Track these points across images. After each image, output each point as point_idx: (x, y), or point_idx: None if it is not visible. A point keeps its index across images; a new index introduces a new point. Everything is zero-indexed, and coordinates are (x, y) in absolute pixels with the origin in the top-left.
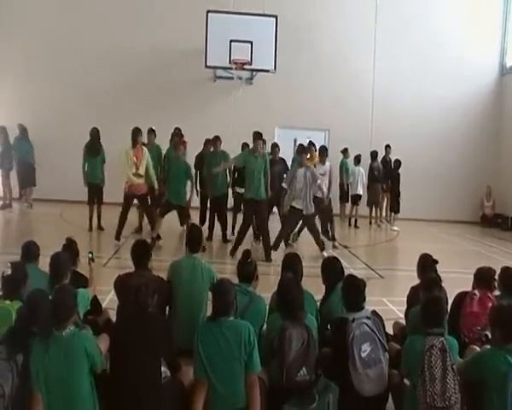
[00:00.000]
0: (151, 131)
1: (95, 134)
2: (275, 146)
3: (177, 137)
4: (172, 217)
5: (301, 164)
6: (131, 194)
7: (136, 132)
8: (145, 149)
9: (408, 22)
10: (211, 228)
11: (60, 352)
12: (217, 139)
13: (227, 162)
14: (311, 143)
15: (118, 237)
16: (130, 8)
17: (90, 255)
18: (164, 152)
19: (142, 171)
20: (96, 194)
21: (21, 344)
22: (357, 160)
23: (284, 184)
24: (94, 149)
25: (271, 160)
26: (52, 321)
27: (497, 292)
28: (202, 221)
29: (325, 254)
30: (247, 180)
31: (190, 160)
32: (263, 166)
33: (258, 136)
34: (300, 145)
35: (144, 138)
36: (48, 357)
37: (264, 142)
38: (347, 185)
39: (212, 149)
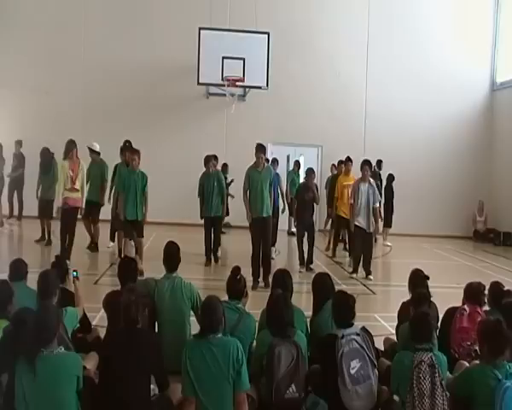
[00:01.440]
0: (92, 151)
1: (45, 154)
2: (312, 172)
3: (128, 150)
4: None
5: (364, 179)
6: (66, 207)
7: (70, 145)
8: (82, 162)
9: (400, 40)
10: (208, 250)
11: (48, 372)
12: (208, 160)
13: (245, 197)
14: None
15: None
16: (123, 26)
17: (75, 273)
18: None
19: (78, 185)
20: (47, 209)
21: (7, 364)
22: None
23: (351, 200)
24: (45, 167)
25: (305, 184)
26: (37, 341)
27: (486, 307)
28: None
29: (371, 277)
30: (252, 198)
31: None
32: (267, 181)
33: (259, 148)
34: (366, 160)
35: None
36: (34, 377)
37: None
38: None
39: (205, 171)
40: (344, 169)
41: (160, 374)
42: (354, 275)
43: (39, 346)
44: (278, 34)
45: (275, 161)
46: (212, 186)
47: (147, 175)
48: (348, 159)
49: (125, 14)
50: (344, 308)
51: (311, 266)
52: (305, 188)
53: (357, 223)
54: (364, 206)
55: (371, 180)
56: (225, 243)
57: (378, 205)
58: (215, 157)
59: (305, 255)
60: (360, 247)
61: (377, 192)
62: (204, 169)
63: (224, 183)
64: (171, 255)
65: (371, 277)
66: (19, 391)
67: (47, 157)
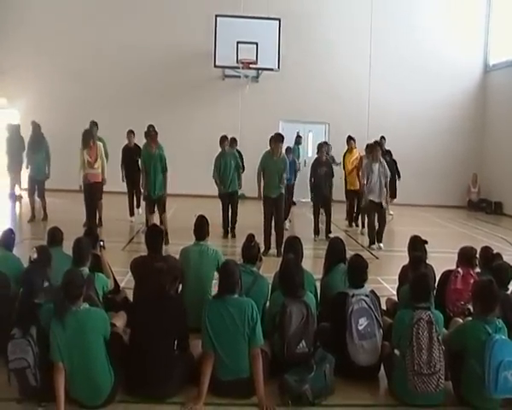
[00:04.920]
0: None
1: (36, 129)
2: (321, 146)
3: (151, 134)
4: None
5: (376, 159)
6: (87, 182)
7: (88, 135)
8: (100, 143)
9: (399, 26)
10: (225, 224)
11: (76, 325)
12: (223, 140)
13: (259, 178)
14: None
15: (98, 223)
16: (145, 13)
17: (102, 243)
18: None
19: (96, 166)
20: (37, 188)
21: (31, 317)
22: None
23: (363, 180)
24: (35, 144)
25: (318, 159)
26: (65, 299)
27: (477, 269)
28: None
29: (381, 245)
30: (266, 180)
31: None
32: (281, 169)
33: (278, 138)
34: (376, 142)
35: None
36: (65, 331)
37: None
38: None
39: (221, 150)
40: (347, 147)
41: (183, 338)
42: (373, 246)
43: (67, 302)
44: (289, 20)
45: (289, 149)
46: (229, 163)
47: (165, 155)
48: (350, 138)
49: (148, 3)
50: (358, 270)
51: (330, 235)
52: (318, 163)
53: (371, 198)
54: (377, 183)
55: (381, 159)
56: (240, 213)
57: (388, 180)
58: (233, 139)
59: (321, 225)
60: (373, 220)
61: (387, 170)
62: (219, 149)
63: (239, 160)
64: (200, 226)
65: (382, 245)
66: (54, 345)
67: (38, 133)
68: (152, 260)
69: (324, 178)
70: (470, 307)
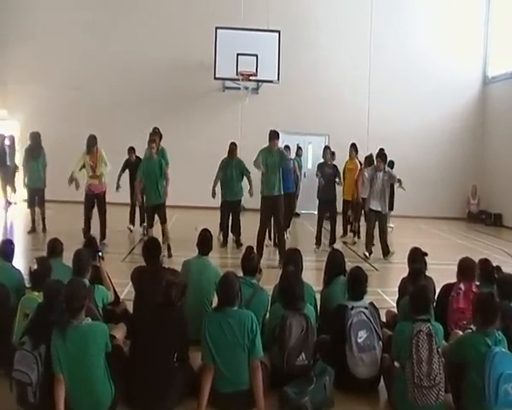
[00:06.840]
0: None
1: (36, 138)
2: (327, 148)
3: (154, 134)
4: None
5: (380, 168)
6: (90, 193)
7: (92, 141)
8: (101, 151)
9: (399, 37)
10: (225, 234)
11: (78, 340)
12: (232, 147)
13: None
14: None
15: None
16: (145, 25)
17: (100, 254)
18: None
19: (98, 172)
20: (36, 197)
21: (43, 335)
22: None
23: (363, 189)
24: (34, 152)
25: (324, 161)
26: (67, 312)
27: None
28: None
29: (388, 258)
30: (264, 178)
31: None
32: (279, 161)
33: (274, 135)
34: (381, 150)
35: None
36: (66, 345)
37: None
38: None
39: (228, 157)
40: (348, 154)
41: (183, 350)
42: (370, 256)
43: (70, 316)
44: (288, 32)
45: (287, 147)
46: (234, 172)
47: (163, 160)
48: (352, 145)
49: (148, 14)
50: (358, 283)
51: (335, 245)
52: (324, 164)
53: (372, 207)
54: (379, 191)
55: (386, 168)
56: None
57: (399, 182)
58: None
59: (324, 241)
60: (373, 229)
61: (393, 174)
62: (219, 161)
63: (244, 170)
64: (205, 241)
65: (390, 254)
66: (54, 357)
67: (37, 142)
68: (152, 270)
69: (331, 179)
70: (473, 327)
